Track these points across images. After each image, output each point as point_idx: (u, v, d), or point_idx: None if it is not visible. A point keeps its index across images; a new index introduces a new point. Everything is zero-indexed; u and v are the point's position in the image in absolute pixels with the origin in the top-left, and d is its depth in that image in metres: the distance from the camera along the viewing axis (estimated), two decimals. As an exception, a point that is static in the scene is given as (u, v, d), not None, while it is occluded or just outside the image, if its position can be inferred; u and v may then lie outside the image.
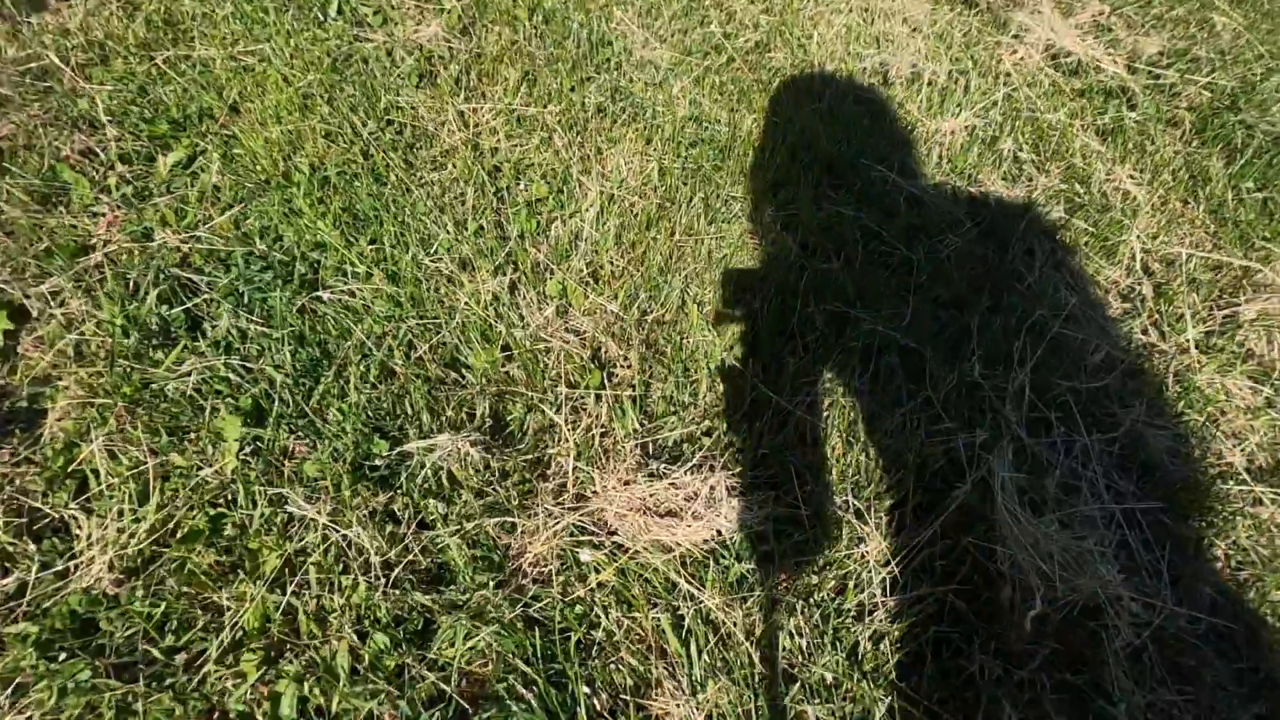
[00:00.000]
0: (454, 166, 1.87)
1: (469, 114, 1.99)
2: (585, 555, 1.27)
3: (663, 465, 1.37)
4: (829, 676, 1.18)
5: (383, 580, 1.21)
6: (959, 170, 2.00)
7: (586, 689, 1.14)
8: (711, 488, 1.30)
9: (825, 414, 1.47)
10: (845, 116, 2.07)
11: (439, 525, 1.27)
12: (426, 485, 1.32)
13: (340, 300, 1.60)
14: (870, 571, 1.25)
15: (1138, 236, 1.83)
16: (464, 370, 1.52)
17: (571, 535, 1.29)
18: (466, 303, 1.56)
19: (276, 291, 1.59)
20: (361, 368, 1.48)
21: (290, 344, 1.53)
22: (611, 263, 1.72)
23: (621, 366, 1.55)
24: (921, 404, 1.50)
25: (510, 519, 1.29)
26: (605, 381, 1.50)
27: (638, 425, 1.45)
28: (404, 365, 1.49)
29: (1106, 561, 1.20)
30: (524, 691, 1.12)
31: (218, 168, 1.82)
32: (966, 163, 2.01)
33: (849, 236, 1.79)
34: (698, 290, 1.67)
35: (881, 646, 1.21)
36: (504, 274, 1.63)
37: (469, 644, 1.19)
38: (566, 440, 1.40)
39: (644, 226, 1.76)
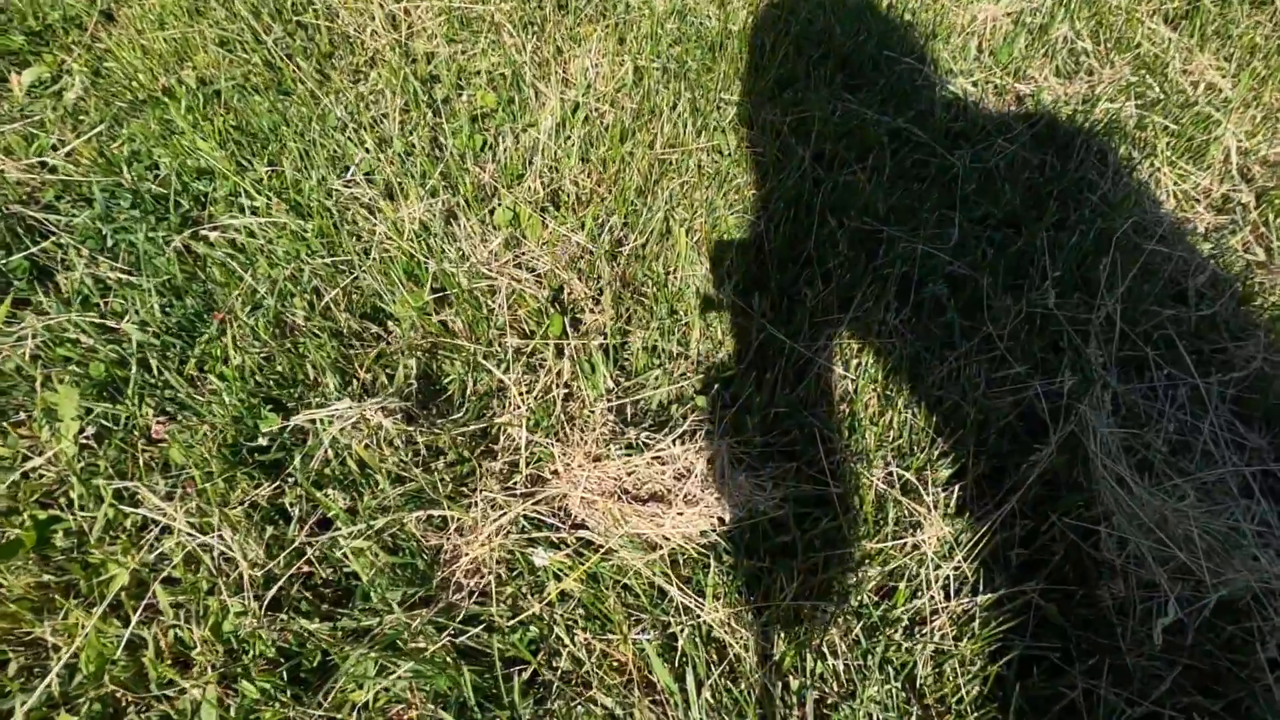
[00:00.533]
0: (379, 76, 1.50)
1: (400, 15, 1.62)
2: (540, 558, 0.94)
3: (644, 434, 1.03)
4: (877, 715, 0.86)
5: (256, 604, 0.88)
6: (1003, 65, 1.63)
7: (540, 748, 0.81)
8: (709, 461, 0.96)
9: (855, 361, 1.13)
10: (861, 2, 1.70)
11: (340, 523, 0.94)
12: (327, 470, 0.99)
13: (231, 240, 1.25)
14: (927, 567, 0.92)
15: (1232, 134, 1.47)
16: (387, 322, 1.18)
17: (523, 531, 0.96)
18: (387, 234, 1.21)
19: (143, 231, 1.24)
20: (251, 321, 1.14)
21: (162, 295, 1.19)
22: (576, 184, 1.36)
23: (590, 311, 1.21)
24: (980, 344, 1.16)
25: (440, 512, 0.96)
26: (568, 330, 1.15)
27: (611, 383, 1.11)
28: (307, 316, 1.14)
29: (1257, 543, 0.87)
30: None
31: (81, 84, 1.45)
32: (1011, 55, 1.64)
33: (874, 143, 1.44)
34: (685, 212, 1.31)
35: (947, 670, 0.88)
36: (438, 198, 1.27)
37: (381, 685, 0.87)
38: (517, 406, 1.07)
39: (616, 140, 1.41)
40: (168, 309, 1.17)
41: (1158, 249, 1.26)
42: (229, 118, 1.40)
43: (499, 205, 1.32)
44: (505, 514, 0.94)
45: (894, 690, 0.87)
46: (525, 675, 0.90)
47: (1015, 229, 1.34)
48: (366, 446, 0.97)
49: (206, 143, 1.33)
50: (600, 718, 0.85)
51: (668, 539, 0.92)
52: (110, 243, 1.25)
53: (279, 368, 1.10)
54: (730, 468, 0.96)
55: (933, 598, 0.92)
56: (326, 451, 0.98)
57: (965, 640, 0.88)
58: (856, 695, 0.86)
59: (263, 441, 1.02)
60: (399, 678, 0.87)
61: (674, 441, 0.99)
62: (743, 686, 0.87)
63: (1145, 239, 1.28)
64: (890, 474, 1.01)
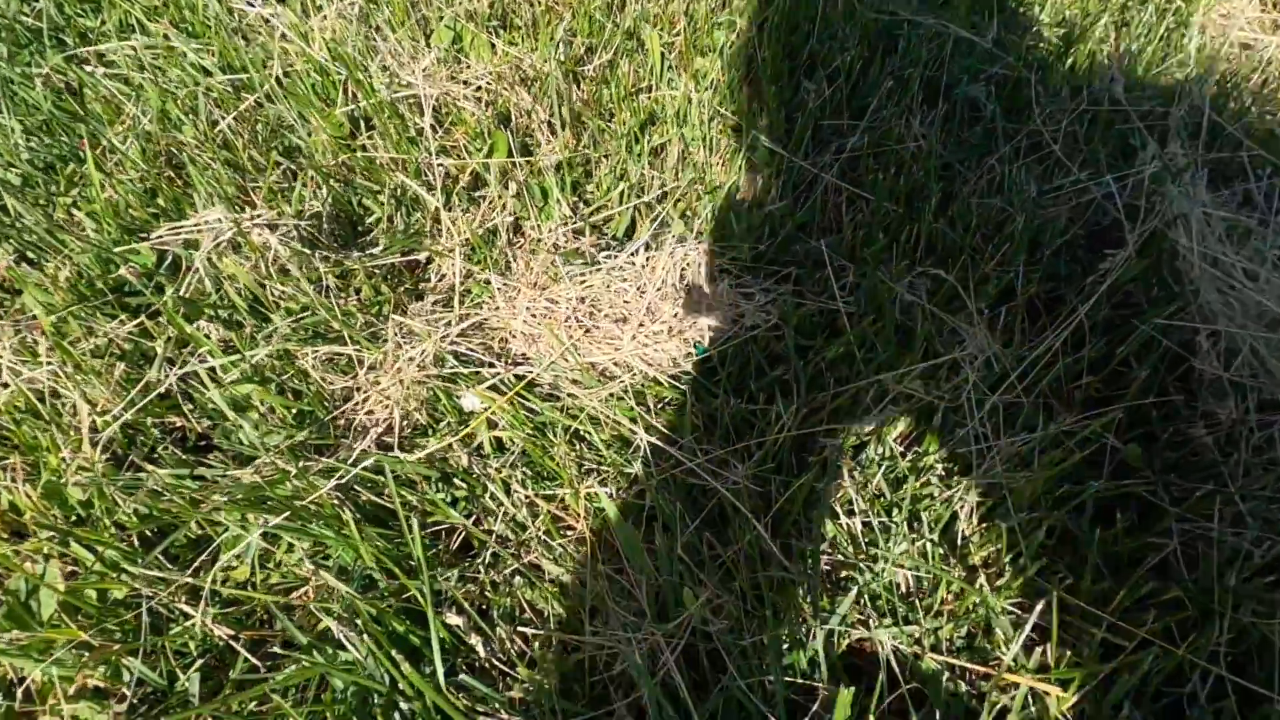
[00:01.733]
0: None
1: None
2: (470, 400, 0.74)
3: (604, 255, 0.81)
4: (907, 576, 0.65)
5: (110, 463, 0.69)
6: None
7: (458, 620, 0.61)
8: (683, 270, 0.75)
9: (873, 177, 0.90)
10: None
11: (213, 358, 0.73)
12: (206, 305, 0.79)
13: (116, 74, 1.04)
14: (968, 394, 0.71)
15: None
16: (298, 158, 0.97)
17: (452, 372, 0.75)
18: (297, 53, 1.00)
19: (9, 66, 1.04)
20: (126, 148, 0.93)
21: (30, 133, 0.99)
22: (532, 2, 1.13)
23: (544, 137, 0.99)
24: (1026, 146, 0.92)
25: (343, 349, 0.76)
26: (514, 151, 0.94)
27: (569, 211, 0.90)
28: (198, 143, 0.94)
29: None
30: (349, 634, 0.60)
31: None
32: None
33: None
34: (656, 8, 1.08)
35: (995, 523, 0.67)
36: (355, 5, 1.05)
37: (269, 555, 0.68)
38: (451, 233, 0.86)
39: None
40: (34, 147, 0.97)
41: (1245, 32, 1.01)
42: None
43: (438, 24, 1.09)
44: (424, 346, 0.74)
45: (928, 548, 0.66)
46: (454, 544, 0.71)
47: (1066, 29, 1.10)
48: (252, 269, 0.77)
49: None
50: (546, 590, 0.66)
51: (629, 365, 0.71)
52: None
53: (161, 201, 0.90)
54: (709, 279, 0.74)
55: (980, 430, 0.70)
56: (200, 277, 0.77)
57: (1024, 480, 0.67)
58: (882, 556, 0.65)
59: (130, 279, 0.82)
60: (289, 545, 0.68)
61: (637, 250, 0.77)
62: (731, 549, 0.66)
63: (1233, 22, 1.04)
64: (917, 290, 0.79)
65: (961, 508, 0.67)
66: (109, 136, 0.94)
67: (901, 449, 0.73)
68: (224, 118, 0.96)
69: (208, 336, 0.75)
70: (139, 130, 0.95)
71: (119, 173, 0.92)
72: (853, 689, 0.53)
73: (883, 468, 0.70)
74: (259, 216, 0.78)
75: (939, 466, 0.71)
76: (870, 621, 0.62)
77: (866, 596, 0.64)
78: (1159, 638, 0.58)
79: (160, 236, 0.78)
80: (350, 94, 0.97)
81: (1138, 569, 0.64)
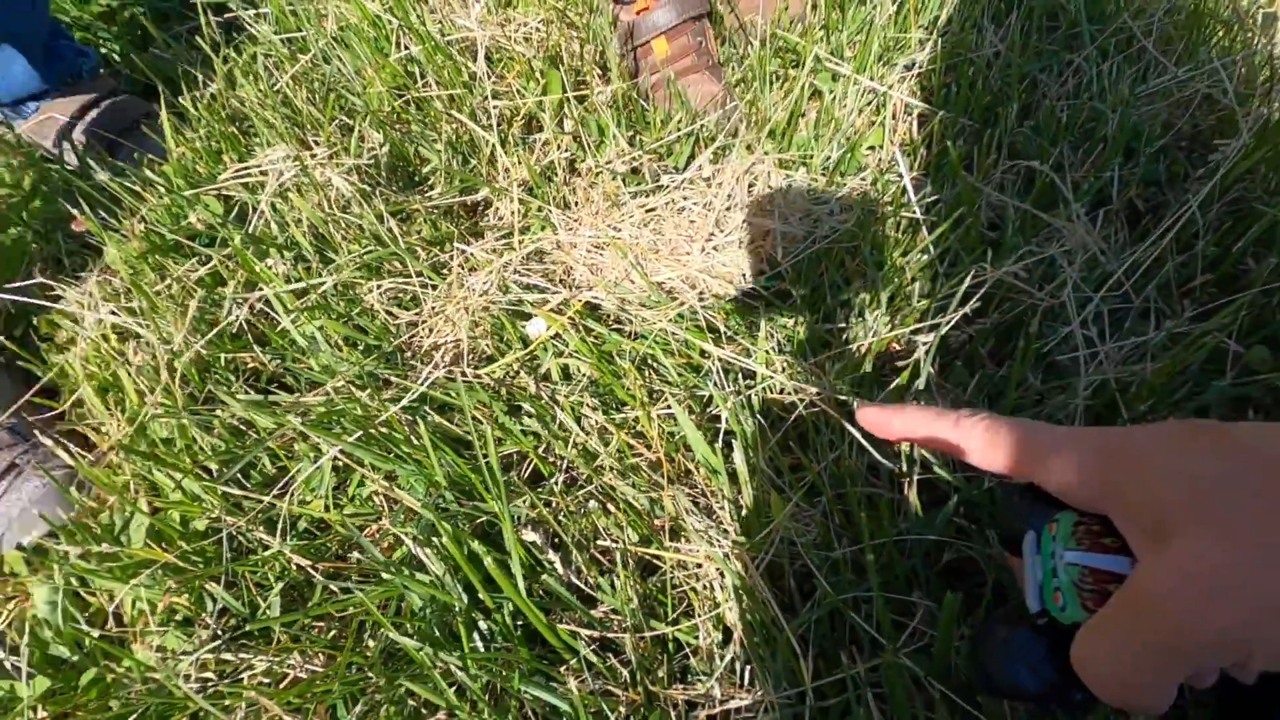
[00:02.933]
0: None
1: None
2: (536, 325, 0.72)
3: (665, 174, 0.79)
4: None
5: (187, 397, 0.69)
6: None
7: (535, 537, 0.60)
8: (751, 182, 0.71)
9: (944, 90, 0.85)
10: None
11: (282, 300, 0.73)
12: (270, 237, 0.79)
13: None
14: (1069, 294, 0.65)
15: None
16: (355, 111, 0.97)
17: (515, 302, 0.74)
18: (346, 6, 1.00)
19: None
20: (197, 111, 0.95)
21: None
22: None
23: (595, 77, 0.97)
24: (1114, 46, 0.86)
25: (408, 283, 0.75)
26: (567, 89, 0.92)
27: (626, 145, 0.87)
28: (258, 97, 0.95)
29: None
30: (425, 554, 0.58)
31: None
32: None
33: None
34: None
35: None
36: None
37: (344, 490, 0.68)
38: (508, 170, 0.84)
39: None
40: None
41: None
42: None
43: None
44: (489, 273, 0.73)
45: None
46: (525, 472, 0.69)
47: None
48: (315, 207, 0.77)
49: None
50: (621, 516, 0.63)
51: (697, 283, 0.68)
52: None
53: (225, 160, 0.92)
54: (782, 190, 0.71)
55: (1085, 335, 0.64)
56: (266, 220, 0.78)
57: (1134, 378, 0.61)
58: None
59: (199, 228, 0.84)
60: (361, 479, 0.67)
61: (700, 170, 0.74)
62: (816, 466, 0.63)
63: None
64: (1003, 182, 0.74)
65: (1068, 411, 0.62)
66: (179, 101, 0.97)
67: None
68: (282, 76, 0.97)
69: (275, 274, 0.75)
70: (203, 93, 0.97)
71: (187, 131, 0.94)
72: (959, 594, 0.48)
73: (976, 377, 0.65)
74: (321, 152, 0.78)
75: (1033, 377, 0.65)
76: (971, 531, 0.58)
77: (963, 507, 0.59)
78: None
79: (226, 180, 0.79)
80: (403, 44, 0.97)
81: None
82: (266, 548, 0.66)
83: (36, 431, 0.70)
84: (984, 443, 0.31)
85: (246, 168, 0.78)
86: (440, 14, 1.00)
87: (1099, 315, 0.66)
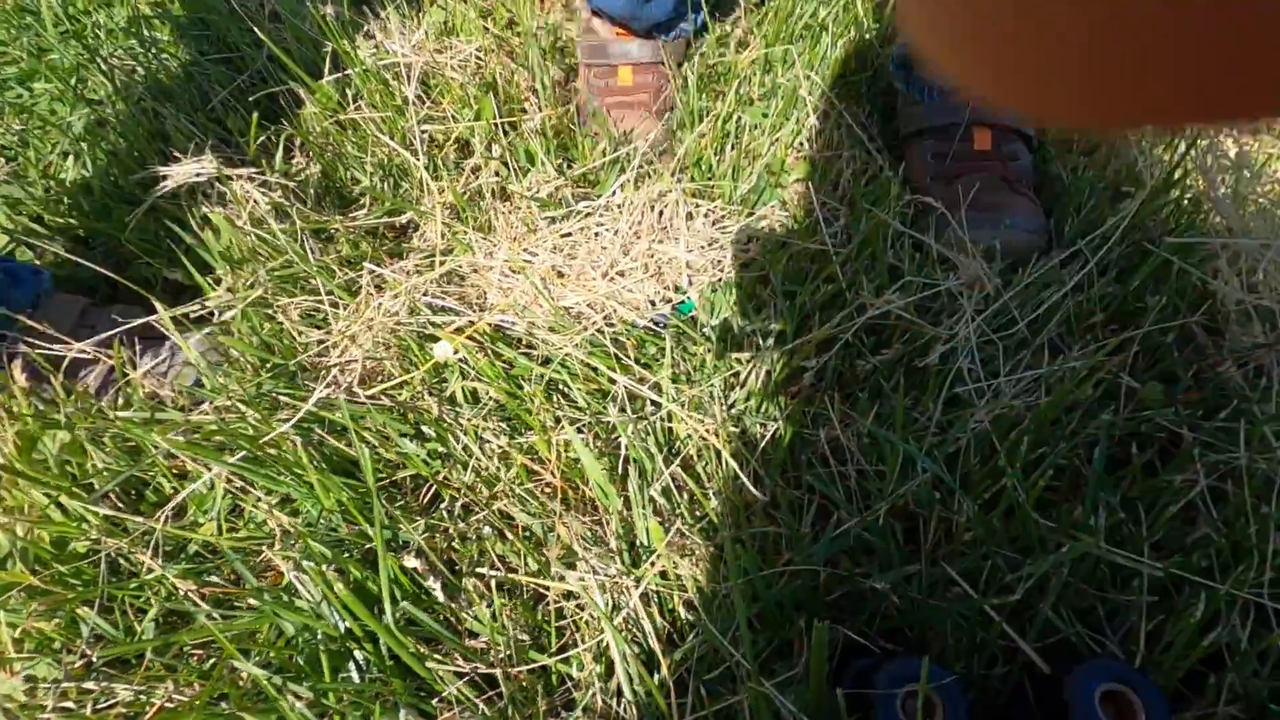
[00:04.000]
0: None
1: None
2: (442, 349, 0.71)
3: (581, 200, 0.79)
4: (911, 501, 0.60)
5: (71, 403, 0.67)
6: None
7: (416, 563, 0.58)
8: (660, 211, 0.72)
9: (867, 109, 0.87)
10: None
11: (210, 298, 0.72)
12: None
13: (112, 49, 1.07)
14: (964, 326, 0.66)
15: None
16: (285, 128, 0.97)
17: (424, 323, 0.73)
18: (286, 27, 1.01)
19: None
20: (120, 121, 0.95)
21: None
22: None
23: (529, 104, 0.98)
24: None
25: (317, 299, 0.74)
26: (498, 113, 0.93)
27: (554, 172, 0.88)
28: (186, 112, 0.95)
29: None
30: (300, 580, 0.57)
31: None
32: None
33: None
34: None
35: (996, 462, 0.61)
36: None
37: (237, 513, 0.66)
38: (434, 193, 0.84)
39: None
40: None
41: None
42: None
43: (430, 4, 1.10)
44: (398, 293, 0.72)
45: (924, 485, 0.61)
46: (424, 496, 0.68)
47: None
48: (231, 219, 0.76)
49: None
50: (517, 542, 0.62)
51: (608, 305, 0.68)
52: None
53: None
54: (688, 217, 0.71)
55: (970, 372, 0.65)
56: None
57: (1022, 411, 0.62)
58: (874, 494, 0.61)
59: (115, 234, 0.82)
60: (256, 499, 0.65)
61: (615, 191, 0.75)
62: (713, 500, 0.62)
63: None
64: (905, 216, 0.75)
65: (960, 443, 0.62)
66: (104, 112, 0.96)
67: (920, 355, 0.68)
68: (215, 94, 0.97)
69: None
70: (133, 103, 0.97)
71: (109, 142, 0.94)
72: (828, 622, 0.48)
73: (875, 406, 0.65)
74: (243, 170, 0.78)
75: (934, 406, 0.66)
76: (863, 561, 0.57)
77: (852, 535, 0.58)
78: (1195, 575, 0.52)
79: (147, 173, 0.78)
80: (338, 66, 0.97)
81: (1158, 510, 0.58)
82: (151, 571, 0.63)
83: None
84: None
85: (167, 171, 0.77)
86: (378, 39, 1.01)
87: (996, 351, 0.67)
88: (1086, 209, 0.77)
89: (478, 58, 1.01)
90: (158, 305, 0.66)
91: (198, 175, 0.74)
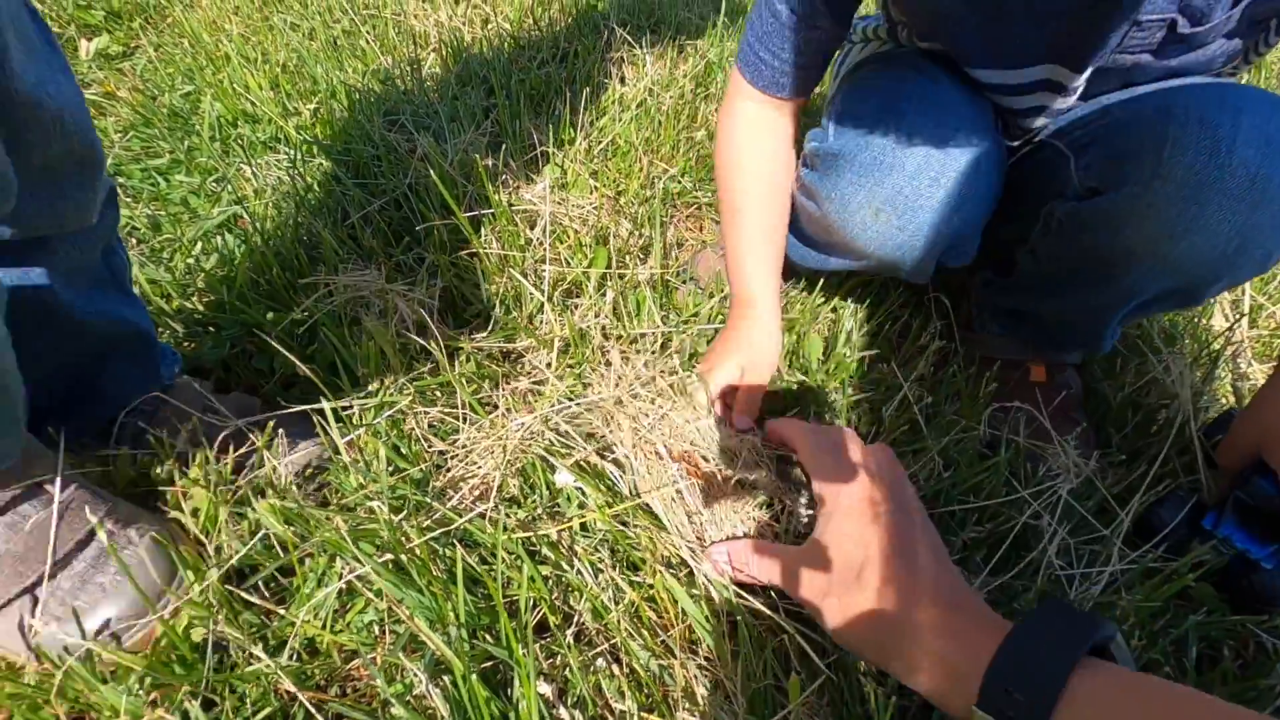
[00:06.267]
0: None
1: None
2: (563, 477, 0.75)
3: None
4: None
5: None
6: None
7: (547, 690, 0.59)
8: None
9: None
10: None
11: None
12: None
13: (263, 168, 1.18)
14: (1050, 519, 0.72)
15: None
16: (418, 251, 1.06)
17: (546, 449, 0.78)
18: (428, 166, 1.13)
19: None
20: (269, 229, 1.04)
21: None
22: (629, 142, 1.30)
23: (634, 256, 1.09)
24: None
25: (452, 412, 0.79)
26: (613, 262, 1.03)
27: (659, 321, 0.97)
28: (328, 230, 1.04)
29: None
30: (428, 690, 0.57)
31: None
32: None
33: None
34: None
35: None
36: (485, 135, 1.20)
37: (348, 608, 0.67)
38: (551, 327, 0.92)
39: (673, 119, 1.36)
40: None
41: None
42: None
43: (548, 161, 1.25)
44: (525, 419, 0.77)
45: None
46: (534, 619, 0.69)
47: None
48: (387, 330, 0.82)
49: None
50: (624, 678, 0.63)
51: (706, 459, 0.73)
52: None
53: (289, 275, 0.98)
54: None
55: (1057, 563, 0.70)
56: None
57: (1127, 599, 0.66)
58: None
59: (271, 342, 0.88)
60: (373, 597, 0.67)
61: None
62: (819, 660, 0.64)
63: None
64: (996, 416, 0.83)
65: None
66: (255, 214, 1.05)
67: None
68: (354, 215, 1.07)
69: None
70: (275, 208, 1.06)
71: (251, 242, 1.02)
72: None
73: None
74: (400, 285, 0.85)
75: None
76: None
77: None
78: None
79: (311, 280, 0.85)
80: (472, 203, 1.09)
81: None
82: (252, 662, 0.63)
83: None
84: None
85: (333, 280, 0.83)
86: (510, 186, 1.13)
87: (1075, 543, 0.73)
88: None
89: (592, 211, 1.13)
90: (324, 401, 0.70)
91: (360, 284, 0.81)
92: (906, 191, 0.72)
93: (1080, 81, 0.73)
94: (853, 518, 0.48)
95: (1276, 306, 1.04)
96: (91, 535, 0.64)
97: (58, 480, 0.63)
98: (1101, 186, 0.71)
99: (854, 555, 0.44)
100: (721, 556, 0.63)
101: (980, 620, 0.39)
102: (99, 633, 0.61)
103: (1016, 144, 0.86)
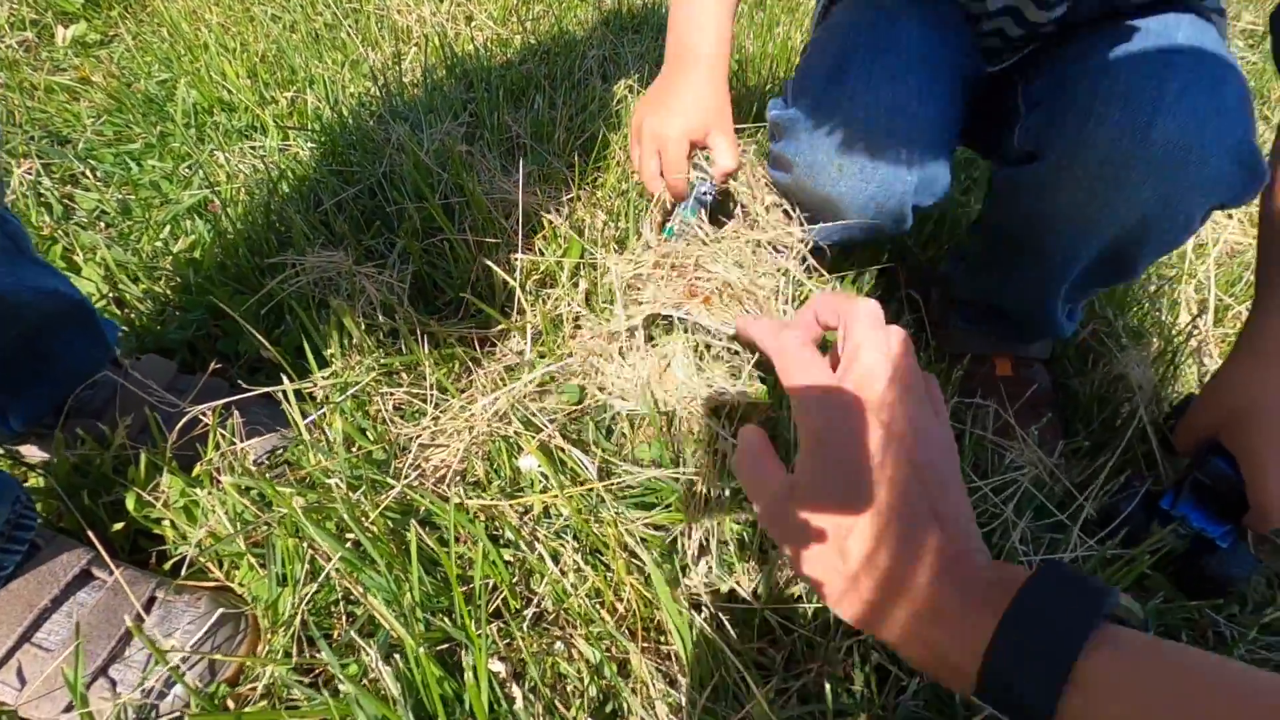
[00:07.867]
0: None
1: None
2: (527, 462, 0.75)
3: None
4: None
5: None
6: None
7: (500, 668, 0.58)
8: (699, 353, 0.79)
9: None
10: None
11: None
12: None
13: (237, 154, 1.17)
14: (1010, 514, 0.72)
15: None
16: (390, 237, 1.06)
17: (508, 431, 0.77)
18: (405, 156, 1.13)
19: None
20: (240, 212, 1.02)
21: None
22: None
23: (609, 248, 1.09)
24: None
25: (420, 393, 0.78)
26: (587, 253, 1.03)
27: (632, 310, 0.96)
28: (300, 214, 1.03)
29: None
30: (379, 667, 0.56)
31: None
32: None
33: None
34: None
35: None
36: (462, 126, 1.20)
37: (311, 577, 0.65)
38: (526, 313, 0.92)
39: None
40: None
41: None
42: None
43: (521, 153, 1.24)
44: (493, 402, 0.77)
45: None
46: (494, 602, 0.68)
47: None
48: (352, 311, 0.81)
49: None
50: (582, 661, 0.62)
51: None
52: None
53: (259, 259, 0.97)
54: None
55: (1020, 549, 0.71)
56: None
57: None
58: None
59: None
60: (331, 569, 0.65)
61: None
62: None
63: None
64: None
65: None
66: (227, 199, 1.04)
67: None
68: (327, 201, 1.06)
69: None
70: (248, 193, 1.05)
71: (221, 226, 1.01)
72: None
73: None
74: (369, 267, 0.85)
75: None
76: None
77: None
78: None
79: (278, 259, 0.84)
80: (446, 192, 1.08)
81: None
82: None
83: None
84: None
85: (290, 260, 0.83)
86: (486, 176, 1.13)
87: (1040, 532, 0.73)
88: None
89: (565, 205, 1.13)
90: (285, 379, 0.69)
91: (328, 265, 0.80)
92: (860, 147, 0.72)
93: None
94: (843, 464, 0.34)
95: (1242, 306, 1.06)
96: (150, 604, 0.64)
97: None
98: (1036, 151, 0.71)
99: (840, 513, 0.32)
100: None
101: (977, 595, 0.31)
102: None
103: (1002, 66, 0.86)
